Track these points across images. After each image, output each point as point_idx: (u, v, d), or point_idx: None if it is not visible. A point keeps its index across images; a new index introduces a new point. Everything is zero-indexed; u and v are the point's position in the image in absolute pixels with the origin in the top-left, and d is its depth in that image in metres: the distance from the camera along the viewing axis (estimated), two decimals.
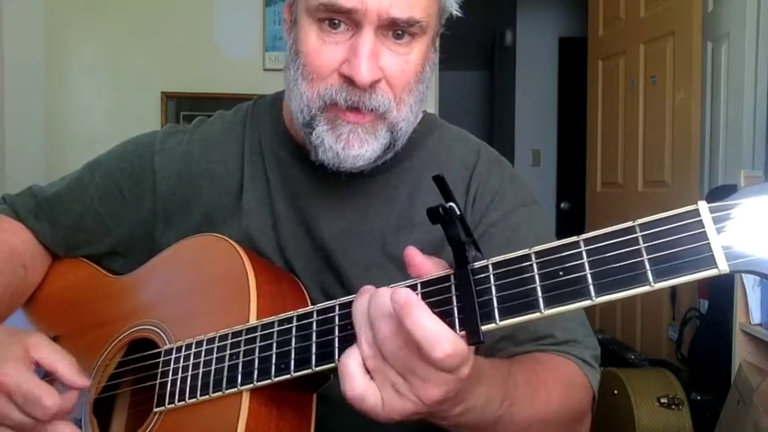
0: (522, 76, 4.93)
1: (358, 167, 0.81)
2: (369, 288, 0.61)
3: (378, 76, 0.77)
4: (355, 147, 0.79)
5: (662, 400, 2.22)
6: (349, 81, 0.77)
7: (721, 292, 2.29)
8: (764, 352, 2.02)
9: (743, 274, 1.95)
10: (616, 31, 3.34)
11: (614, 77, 3.32)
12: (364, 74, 0.75)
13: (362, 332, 0.59)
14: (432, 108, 2.86)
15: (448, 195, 0.58)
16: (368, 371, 0.58)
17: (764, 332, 1.95)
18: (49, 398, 0.74)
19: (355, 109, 0.78)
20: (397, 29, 0.77)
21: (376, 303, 0.58)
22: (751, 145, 2.49)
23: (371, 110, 0.78)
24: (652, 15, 3.01)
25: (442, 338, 0.54)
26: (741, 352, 2.05)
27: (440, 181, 0.58)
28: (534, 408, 0.70)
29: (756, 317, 2.00)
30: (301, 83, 0.80)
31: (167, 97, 2.94)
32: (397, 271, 0.63)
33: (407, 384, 0.57)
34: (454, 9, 0.83)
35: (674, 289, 2.78)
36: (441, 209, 0.56)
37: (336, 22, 0.77)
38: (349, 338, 0.61)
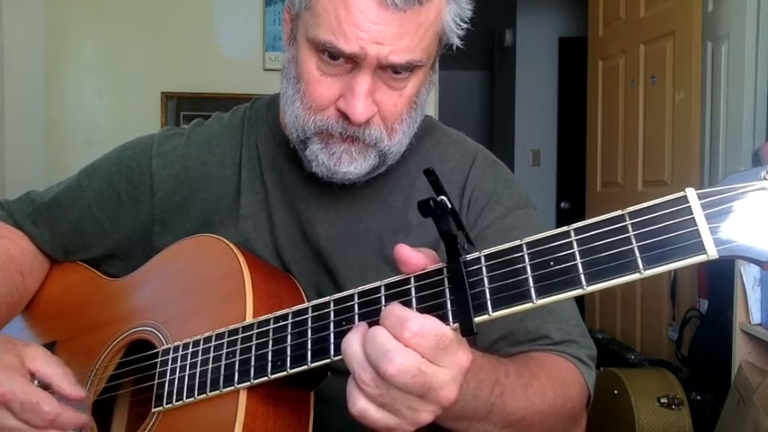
0: (522, 76, 4.93)
1: (349, 180, 0.84)
2: (361, 326, 0.60)
3: (372, 113, 0.79)
4: (345, 164, 0.81)
5: (662, 400, 2.22)
6: (345, 116, 0.78)
7: (721, 291, 2.29)
8: (764, 352, 2.02)
9: (743, 274, 1.96)
10: (616, 31, 3.34)
11: (614, 77, 3.32)
12: (360, 114, 0.77)
13: (362, 373, 0.57)
14: (431, 108, 2.87)
15: (439, 189, 0.58)
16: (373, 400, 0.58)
17: (764, 332, 1.95)
18: (48, 403, 0.75)
19: (349, 138, 0.81)
20: (395, 68, 0.78)
21: (373, 343, 0.57)
22: (751, 145, 2.49)
23: (364, 141, 0.81)
24: (652, 15, 3.01)
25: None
26: (741, 352, 2.05)
27: (430, 175, 0.58)
28: (528, 399, 0.71)
29: (756, 317, 2.00)
30: (299, 106, 0.81)
31: (167, 97, 2.94)
32: (393, 273, 0.63)
33: (422, 401, 0.57)
34: (456, 42, 0.83)
35: (674, 288, 2.78)
36: (432, 202, 0.57)
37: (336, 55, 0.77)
38: (344, 334, 0.61)
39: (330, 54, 0.77)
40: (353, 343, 0.58)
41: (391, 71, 0.78)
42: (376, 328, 0.57)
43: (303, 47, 0.80)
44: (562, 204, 4.81)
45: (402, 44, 0.75)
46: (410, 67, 0.78)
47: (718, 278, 2.34)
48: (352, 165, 0.81)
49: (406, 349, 0.55)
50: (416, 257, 0.61)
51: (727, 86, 2.63)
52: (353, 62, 0.77)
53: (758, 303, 1.99)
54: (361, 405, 0.58)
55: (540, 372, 0.75)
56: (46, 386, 0.78)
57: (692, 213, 0.51)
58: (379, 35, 0.74)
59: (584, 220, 0.57)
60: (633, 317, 3.13)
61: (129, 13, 2.92)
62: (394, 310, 0.57)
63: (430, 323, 0.56)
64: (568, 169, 4.73)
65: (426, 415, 0.58)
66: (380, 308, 0.62)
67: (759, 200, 0.50)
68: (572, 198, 4.61)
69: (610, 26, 3.42)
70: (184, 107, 2.94)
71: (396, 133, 0.82)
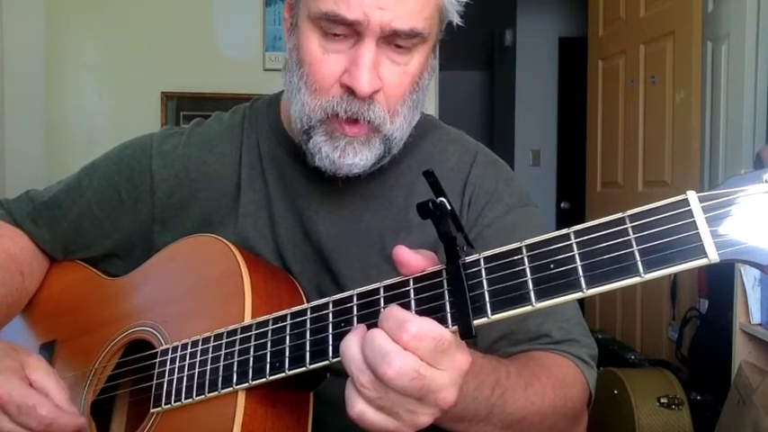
0: (522, 76, 4.93)
1: (354, 174, 0.83)
2: (359, 328, 0.60)
3: (378, 87, 0.78)
4: (350, 156, 0.81)
5: (662, 400, 2.22)
6: (350, 91, 0.78)
7: (721, 291, 2.29)
8: (764, 352, 2.01)
9: (743, 274, 1.96)
10: (616, 31, 3.34)
11: (614, 77, 3.32)
12: (365, 85, 0.76)
13: (361, 376, 0.57)
14: (432, 108, 2.86)
15: (438, 190, 0.57)
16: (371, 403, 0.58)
17: (764, 332, 1.95)
18: (44, 407, 0.74)
19: (354, 120, 0.79)
20: (398, 39, 0.77)
21: (371, 345, 0.56)
22: (751, 145, 2.49)
23: (368, 121, 0.80)
24: (652, 15, 3.01)
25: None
26: (741, 352, 2.05)
27: (430, 176, 0.58)
28: (528, 399, 0.70)
29: (756, 317, 2.00)
30: (304, 92, 0.81)
31: (167, 97, 2.94)
32: (394, 272, 0.63)
33: (421, 403, 0.57)
34: (456, 19, 0.83)
35: (674, 289, 2.78)
36: (431, 204, 0.56)
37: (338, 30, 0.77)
38: (343, 335, 0.60)
39: (333, 27, 0.76)
40: (352, 345, 0.58)
41: (394, 44, 0.78)
42: (374, 331, 0.57)
43: (305, 28, 0.79)
44: (562, 204, 4.81)
45: (404, 9, 0.75)
46: (413, 36, 0.77)
47: (719, 278, 2.33)
48: (356, 156, 0.81)
49: (405, 352, 0.55)
50: (415, 259, 0.60)
51: (727, 86, 2.63)
52: (356, 34, 0.76)
53: (758, 303, 1.99)
54: (359, 408, 0.57)
55: (540, 371, 0.75)
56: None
57: (693, 217, 0.51)
58: (382, 0, 0.74)
59: (584, 220, 0.56)
60: (633, 317, 3.13)
61: (129, 13, 2.92)
62: (393, 313, 0.57)
63: (429, 326, 0.56)
64: (568, 169, 4.73)
65: (425, 418, 0.58)
66: (379, 309, 0.61)
67: (760, 203, 0.49)
68: (572, 198, 4.61)
69: (610, 26, 3.42)
70: (184, 107, 2.94)
71: (398, 116, 0.81)
